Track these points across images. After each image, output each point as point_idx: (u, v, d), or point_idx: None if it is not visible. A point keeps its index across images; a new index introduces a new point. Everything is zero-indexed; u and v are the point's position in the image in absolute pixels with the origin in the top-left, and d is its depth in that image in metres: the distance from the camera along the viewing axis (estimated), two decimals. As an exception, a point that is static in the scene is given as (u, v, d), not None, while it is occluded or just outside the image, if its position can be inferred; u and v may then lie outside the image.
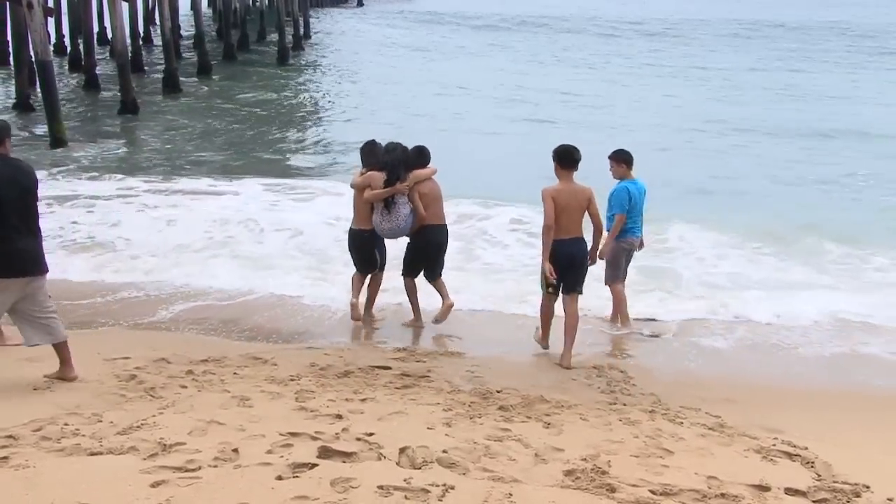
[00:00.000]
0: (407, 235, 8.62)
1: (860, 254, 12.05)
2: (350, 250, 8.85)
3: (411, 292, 8.75)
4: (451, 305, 8.71)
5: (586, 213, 7.84)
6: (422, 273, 8.79)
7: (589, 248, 8.01)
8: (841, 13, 73.23)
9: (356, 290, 8.77)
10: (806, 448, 5.89)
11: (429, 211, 8.51)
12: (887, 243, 12.50)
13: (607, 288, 9.07)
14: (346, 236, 8.94)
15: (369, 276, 8.86)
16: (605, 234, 8.47)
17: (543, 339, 8.22)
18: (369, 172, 8.49)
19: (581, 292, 7.96)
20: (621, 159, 8.82)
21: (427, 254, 8.64)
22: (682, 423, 6.35)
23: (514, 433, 5.80)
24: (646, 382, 7.41)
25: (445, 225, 8.77)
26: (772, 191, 16.51)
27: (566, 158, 7.71)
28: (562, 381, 7.43)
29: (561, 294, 7.92)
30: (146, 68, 30.52)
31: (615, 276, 8.90)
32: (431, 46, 45.40)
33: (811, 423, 6.55)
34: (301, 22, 42.59)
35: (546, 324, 8.12)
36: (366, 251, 8.66)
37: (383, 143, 8.76)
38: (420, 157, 8.61)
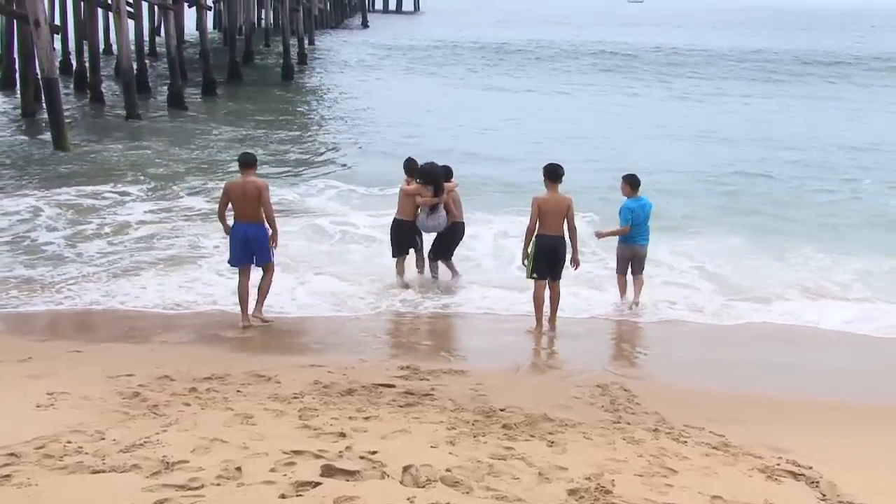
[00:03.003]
0: (440, 231, 11.22)
1: (873, 267, 12.04)
2: (392, 236, 11.27)
3: (435, 268, 11.48)
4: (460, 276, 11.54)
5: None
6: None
7: (569, 248, 9.68)
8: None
9: (400, 273, 11.24)
10: (811, 467, 5.87)
11: (457, 212, 11.20)
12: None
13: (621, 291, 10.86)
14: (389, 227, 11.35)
15: (414, 256, 11.39)
16: (616, 234, 10.81)
17: (536, 323, 9.80)
18: (419, 186, 11.01)
19: (560, 278, 9.79)
20: (628, 182, 10.55)
21: (455, 241, 11.36)
22: (686, 441, 6.33)
23: (517, 452, 5.79)
24: (649, 401, 7.40)
25: (464, 222, 11.47)
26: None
27: (552, 173, 9.55)
28: (565, 399, 7.41)
29: (546, 281, 9.79)
30: (151, 87, 30.58)
31: (620, 270, 10.80)
32: (444, 73, 44.15)
33: (816, 442, 6.53)
34: (305, 40, 42.78)
35: (538, 308, 9.81)
36: (405, 236, 11.19)
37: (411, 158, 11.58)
38: (447, 174, 11.23)
